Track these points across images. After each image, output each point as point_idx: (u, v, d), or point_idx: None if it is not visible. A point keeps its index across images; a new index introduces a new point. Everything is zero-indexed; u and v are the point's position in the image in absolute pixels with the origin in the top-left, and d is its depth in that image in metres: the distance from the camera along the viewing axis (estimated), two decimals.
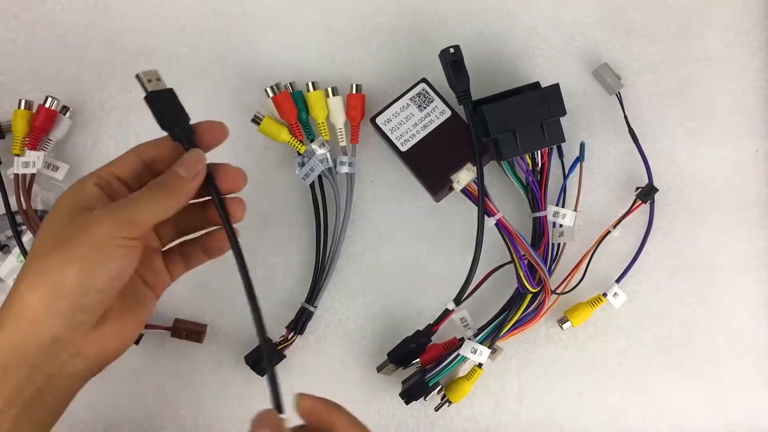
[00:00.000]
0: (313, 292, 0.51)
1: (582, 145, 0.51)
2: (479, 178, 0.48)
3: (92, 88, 0.53)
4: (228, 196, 0.38)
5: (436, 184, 0.49)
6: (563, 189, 0.51)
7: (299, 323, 0.51)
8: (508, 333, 0.50)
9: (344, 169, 0.51)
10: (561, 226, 0.50)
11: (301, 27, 0.55)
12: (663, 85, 0.55)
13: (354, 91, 0.51)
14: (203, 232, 0.41)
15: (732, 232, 0.54)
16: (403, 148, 0.49)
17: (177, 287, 0.52)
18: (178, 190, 0.36)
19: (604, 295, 0.51)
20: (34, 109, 0.50)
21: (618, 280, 0.52)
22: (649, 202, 0.51)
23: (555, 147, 0.51)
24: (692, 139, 0.54)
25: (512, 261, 0.49)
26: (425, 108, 0.49)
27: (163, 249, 0.41)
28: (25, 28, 0.54)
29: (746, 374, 0.53)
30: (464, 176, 0.48)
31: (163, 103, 0.36)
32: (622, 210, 0.51)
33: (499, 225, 0.48)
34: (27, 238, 0.50)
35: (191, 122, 0.37)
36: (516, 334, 0.50)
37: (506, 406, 0.52)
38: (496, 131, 0.48)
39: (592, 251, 0.51)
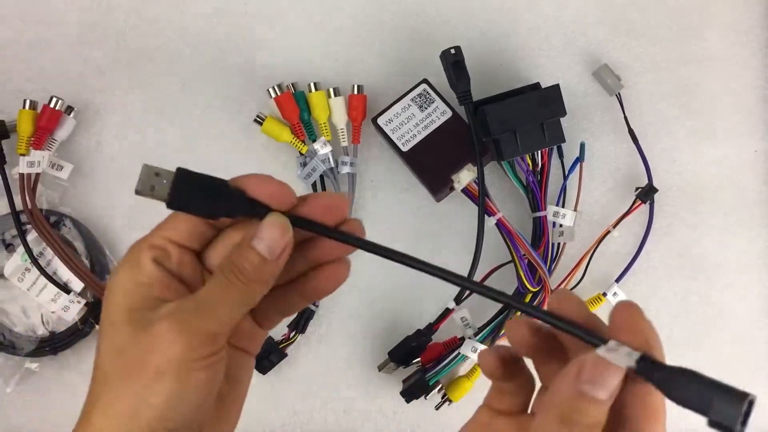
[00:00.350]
0: None
1: (582, 146, 0.51)
2: (480, 178, 0.48)
3: (96, 88, 0.54)
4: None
5: (437, 184, 0.49)
6: (563, 189, 0.52)
7: (301, 322, 0.51)
8: None
9: (346, 170, 0.51)
10: (561, 226, 0.51)
11: (303, 27, 0.55)
12: (663, 85, 0.55)
13: (356, 92, 0.52)
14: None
15: (732, 232, 0.54)
16: (405, 148, 0.49)
17: None
18: (261, 277, 0.27)
19: (604, 294, 0.51)
20: (39, 109, 0.51)
21: (618, 280, 0.52)
22: (648, 202, 0.52)
23: (555, 147, 0.51)
24: (693, 138, 0.54)
25: (512, 260, 0.49)
26: (426, 108, 0.50)
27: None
28: (29, 28, 0.54)
29: (747, 374, 0.53)
30: (465, 176, 0.48)
31: (191, 193, 0.27)
32: (622, 210, 0.52)
33: (500, 225, 0.49)
34: (31, 237, 0.51)
35: (234, 176, 0.29)
36: None
37: None
38: (496, 131, 0.48)
39: (591, 251, 0.51)
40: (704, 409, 0.24)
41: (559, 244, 0.51)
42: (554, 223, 0.51)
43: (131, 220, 0.53)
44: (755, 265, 0.54)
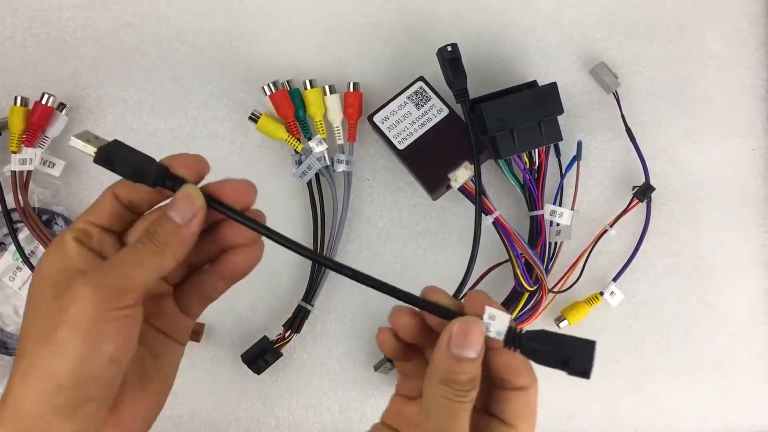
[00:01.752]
0: (310, 291, 0.51)
1: (579, 144, 0.51)
2: (476, 177, 0.48)
3: (89, 85, 0.53)
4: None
5: (434, 183, 0.49)
6: (560, 188, 0.51)
7: (296, 321, 0.51)
8: None
9: (341, 168, 0.51)
10: (558, 225, 0.50)
11: (299, 25, 0.55)
12: (661, 84, 0.55)
13: (351, 89, 0.51)
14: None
15: (730, 231, 0.54)
16: (401, 147, 0.49)
17: None
18: (173, 240, 0.30)
19: (601, 293, 0.51)
20: (31, 106, 0.50)
21: (615, 279, 0.52)
22: (646, 200, 0.51)
23: (552, 145, 0.51)
24: (690, 137, 0.54)
25: (509, 259, 0.49)
26: (422, 106, 0.49)
27: (174, 288, 0.34)
28: (22, 25, 0.54)
29: (745, 373, 0.53)
30: (462, 174, 0.48)
31: (119, 157, 0.30)
32: (619, 208, 0.51)
33: (497, 223, 0.48)
34: (23, 235, 0.50)
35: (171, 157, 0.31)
36: None
37: None
38: (493, 129, 0.48)
39: (589, 250, 0.51)
40: (563, 364, 0.30)
41: (556, 243, 0.51)
42: (551, 222, 0.51)
43: None
44: (753, 264, 0.54)
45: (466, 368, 0.29)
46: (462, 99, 0.49)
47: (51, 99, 0.50)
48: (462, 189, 0.48)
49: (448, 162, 0.48)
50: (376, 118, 0.50)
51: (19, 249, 0.50)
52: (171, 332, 0.33)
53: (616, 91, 0.53)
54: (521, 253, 0.48)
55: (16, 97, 0.50)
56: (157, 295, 0.33)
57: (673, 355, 0.53)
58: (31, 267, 0.50)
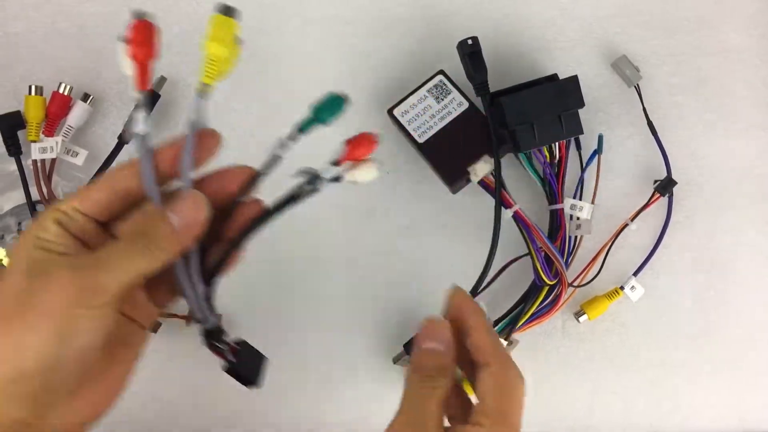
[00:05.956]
0: None
1: (600, 138, 0.51)
2: (496, 170, 0.48)
3: (112, 79, 0.54)
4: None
5: (453, 176, 0.49)
6: (581, 181, 0.51)
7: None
8: (525, 325, 0.49)
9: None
10: (578, 218, 0.50)
11: (319, 18, 0.55)
12: (682, 77, 0.54)
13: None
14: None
15: (751, 225, 0.53)
16: (421, 140, 0.49)
17: None
18: (165, 245, 0.28)
19: (622, 288, 0.51)
20: (47, 96, 0.50)
21: (635, 273, 0.51)
22: (667, 195, 0.51)
23: (573, 139, 0.51)
24: (711, 131, 0.54)
25: (529, 253, 0.49)
26: (443, 100, 0.49)
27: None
28: (45, 19, 0.54)
29: (763, 370, 0.53)
30: (481, 168, 0.48)
31: None
32: (640, 203, 0.51)
33: (516, 217, 0.48)
34: None
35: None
36: (532, 327, 0.50)
37: None
38: (513, 123, 0.48)
39: (609, 244, 0.51)
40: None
41: (576, 237, 0.51)
42: (571, 216, 0.50)
43: None
44: None
45: (431, 358, 0.33)
46: (482, 92, 0.49)
47: (68, 88, 0.50)
48: (481, 182, 0.48)
49: (467, 155, 0.48)
50: (396, 112, 0.50)
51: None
52: (139, 318, 0.32)
53: (637, 85, 0.52)
54: (541, 247, 0.48)
55: (30, 87, 0.50)
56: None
57: (691, 350, 0.53)
58: None
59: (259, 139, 0.53)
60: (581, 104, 0.48)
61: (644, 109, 0.52)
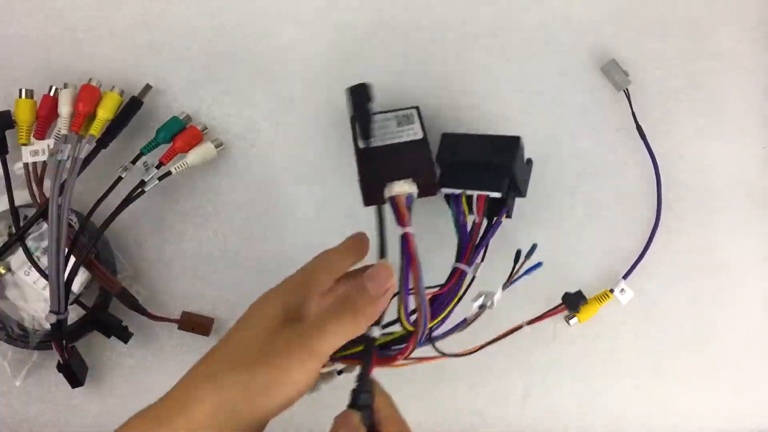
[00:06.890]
0: None
1: (533, 247, 0.45)
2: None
3: (103, 84, 0.54)
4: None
5: (371, 187, 0.45)
6: (485, 245, 0.45)
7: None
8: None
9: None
10: (482, 300, 0.43)
11: (311, 21, 0.55)
12: (673, 82, 0.54)
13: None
14: None
15: (742, 229, 0.53)
16: (361, 146, 0.46)
17: (185, 281, 0.53)
18: (367, 312, 0.34)
19: (612, 291, 0.51)
20: (38, 99, 0.50)
21: (625, 277, 0.51)
22: (656, 198, 0.51)
23: (507, 204, 0.46)
24: (702, 135, 0.54)
25: (397, 291, 0.37)
26: (402, 126, 0.48)
27: None
28: (36, 24, 0.55)
29: (756, 373, 0.53)
30: (399, 186, 0.43)
31: None
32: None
33: (404, 240, 0.39)
34: (41, 230, 0.51)
35: None
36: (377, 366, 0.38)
37: (511, 402, 0.53)
38: (440, 158, 0.48)
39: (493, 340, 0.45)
40: None
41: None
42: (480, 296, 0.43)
43: (136, 215, 0.53)
44: (765, 262, 0.53)
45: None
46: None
47: (59, 91, 0.50)
48: (391, 200, 0.42)
49: (394, 174, 0.44)
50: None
51: (24, 248, 0.50)
52: None
53: (626, 89, 0.52)
54: (412, 289, 0.37)
55: (20, 90, 0.50)
56: None
57: (683, 353, 0.53)
58: (35, 264, 0.50)
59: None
60: (511, 163, 0.46)
61: (633, 114, 0.52)
